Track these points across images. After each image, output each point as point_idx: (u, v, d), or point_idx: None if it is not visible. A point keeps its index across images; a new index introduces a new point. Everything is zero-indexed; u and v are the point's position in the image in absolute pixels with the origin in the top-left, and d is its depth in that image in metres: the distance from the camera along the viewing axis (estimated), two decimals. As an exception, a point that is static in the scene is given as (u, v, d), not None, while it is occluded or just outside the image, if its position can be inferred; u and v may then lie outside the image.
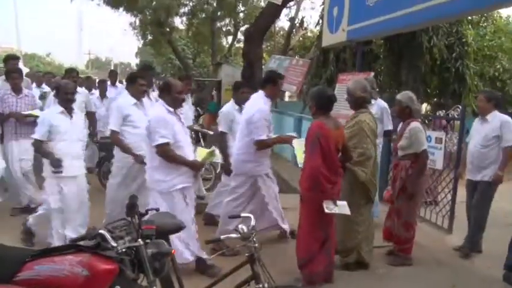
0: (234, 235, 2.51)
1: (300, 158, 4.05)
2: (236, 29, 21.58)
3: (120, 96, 5.03)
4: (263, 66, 8.48)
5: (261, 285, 2.49)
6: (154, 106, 4.08)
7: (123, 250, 2.19)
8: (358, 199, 3.94)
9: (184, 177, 3.78)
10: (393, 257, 4.38)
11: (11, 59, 6.14)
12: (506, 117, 4.54)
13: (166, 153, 3.67)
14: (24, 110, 5.25)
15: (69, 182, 4.18)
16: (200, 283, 2.96)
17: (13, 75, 5.30)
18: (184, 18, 20.83)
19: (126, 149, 4.44)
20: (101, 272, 2.12)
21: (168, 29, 19.41)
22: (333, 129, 3.56)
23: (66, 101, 4.21)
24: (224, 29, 22.54)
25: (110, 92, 7.88)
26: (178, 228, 2.83)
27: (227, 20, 21.45)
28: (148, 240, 2.31)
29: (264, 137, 4.25)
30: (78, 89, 5.48)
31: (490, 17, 12.30)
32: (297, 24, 18.87)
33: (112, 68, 43.87)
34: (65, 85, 4.30)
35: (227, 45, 24.22)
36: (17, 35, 26.49)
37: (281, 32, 23.22)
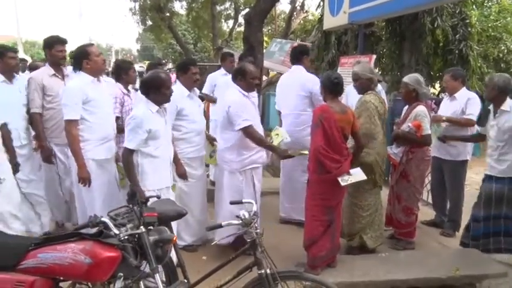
0: (235, 221, 2.51)
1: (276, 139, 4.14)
2: (237, 12, 21.33)
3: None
4: (264, 50, 8.41)
5: (262, 271, 2.50)
6: (229, 91, 4.09)
7: (126, 237, 2.21)
8: (363, 183, 3.81)
9: (255, 158, 4.03)
10: (395, 241, 4.39)
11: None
12: (472, 93, 4.71)
13: (253, 134, 3.88)
14: None
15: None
16: (203, 268, 2.98)
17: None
18: (184, 3, 20.59)
19: None
20: (103, 260, 2.13)
21: (168, 14, 19.23)
22: (338, 112, 3.54)
23: None
24: (225, 13, 22.31)
25: None
26: (180, 215, 2.84)
27: (227, 4, 21.21)
28: (150, 227, 2.32)
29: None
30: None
31: (494, -4, 12.13)
32: (298, 7, 18.63)
33: (113, 54, 43.68)
34: None
35: (228, 30, 24.00)
36: (16, 23, 26.24)
37: (282, 16, 22.96)
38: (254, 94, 4.50)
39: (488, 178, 4.06)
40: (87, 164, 3.65)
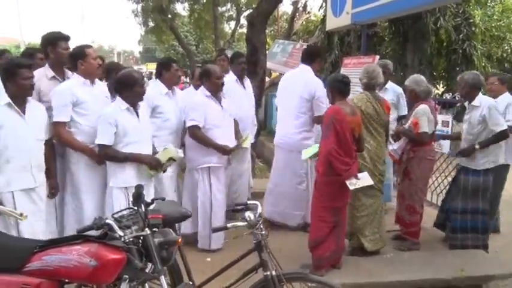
0: (240, 223, 2.50)
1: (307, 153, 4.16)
2: (239, 14, 21.34)
3: None
4: (267, 51, 8.41)
5: (268, 273, 2.49)
6: (197, 92, 4.28)
7: (130, 239, 2.20)
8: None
9: (210, 158, 4.12)
10: (400, 242, 4.38)
11: None
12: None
13: (196, 134, 4.07)
14: None
15: None
16: (208, 270, 2.97)
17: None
18: (186, 4, 20.63)
19: None
20: (108, 262, 2.12)
21: (170, 16, 19.26)
22: (349, 114, 3.52)
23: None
24: (226, 15, 22.34)
25: None
26: (185, 216, 2.84)
27: (229, 5, 21.23)
28: (155, 229, 2.31)
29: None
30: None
31: (497, -4, 12.11)
32: (300, 8, 18.63)
33: (115, 56, 43.79)
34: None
35: (230, 31, 24.02)
36: (19, 25, 26.35)
37: (284, 16, 22.97)
38: (250, 91, 4.81)
39: (464, 170, 4.21)
40: (79, 168, 3.60)
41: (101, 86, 3.93)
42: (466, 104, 4.27)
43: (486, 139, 4.05)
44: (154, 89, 4.27)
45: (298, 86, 4.56)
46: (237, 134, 4.47)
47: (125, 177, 3.44)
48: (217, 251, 4.17)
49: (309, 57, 4.68)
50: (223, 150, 4.13)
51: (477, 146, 4.05)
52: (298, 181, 4.68)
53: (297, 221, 4.78)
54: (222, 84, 4.19)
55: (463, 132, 4.28)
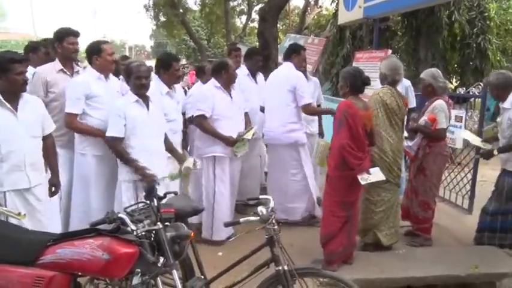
0: (253, 218, 2.50)
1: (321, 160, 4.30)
2: (250, 8, 21.30)
3: None
4: (278, 46, 8.38)
5: (280, 268, 2.48)
6: (207, 84, 4.42)
7: (143, 233, 2.21)
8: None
9: (214, 148, 4.21)
10: (412, 238, 4.34)
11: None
12: None
13: (201, 124, 4.20)
14: None
15: None
16: (219, 265, 2.97)
17: None
18: (197, -2, 20.66)
19: None
20: (121, 256, 2.14)
21: (181, 10, 19.28)
22: (361, 109, 3.50)
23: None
24: (238, 9, 22.31)
25: None
26: (197, 211, 2.84)
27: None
28: (167, 224, 2.32)
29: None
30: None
31: (513, -11, 11.84)
32: (312, 2, 18.53)
33: (127, 51, 43.99)
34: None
35: (241, 25, 23.99)
36: (32, 20, 26.64)
37: (296, 11, 22.87)
38: (261, 85, 4.83)
39: (503, 172, 4.01)
40: (87, 160, 3.67)
41: (115, 82, 4.00)
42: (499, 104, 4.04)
43: (506, 144, 3.88)
44: (154, 88, 3.96)
45: (282, 80, 4.71)
46: (247, 126, 4.49)
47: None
48: (228, 245, 4.17)
49: (289, 55, 4.88)
50: (227, 141, 4.19)
51: (495, 152, 3.92)
52: (292, 173, 4.72)
53: (300, 214, 4.78)
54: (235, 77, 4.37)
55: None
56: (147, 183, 3.23)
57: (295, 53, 4.82)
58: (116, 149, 3.46)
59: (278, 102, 4.68)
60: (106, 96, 3.68)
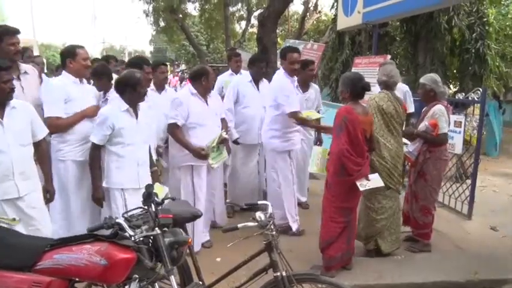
0: (251, 223, 2.49)
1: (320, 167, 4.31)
2: (249, 14, 21.35)
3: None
4: (277, 51, 8.41)
5: (278, 273, 2.47)
6: (182, 89, 4.29)
7: (141, 239, 2.19)
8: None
9: (191, 157, 4.01)
10: (411, 243, 4.33)
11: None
12: None
13: (173, 132, 4.06)
14: None
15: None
16: (217, 270, 2.96)
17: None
18: (197, 4, 20.72)
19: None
20: (119, 261, 2.12)
21: (181, 15, 19.34)
22: (361, 115, 3.50)
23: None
24: (237, 14, 22.36)
25: None
26: (195, 216, 2.83)
27: (240, 5, 21.26)
28: (165, 229, 2.30)
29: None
30: None
31: (512, -6, 11.89)
32: (311, 8, 18.59)
33: (127, 56, 44.01)
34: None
35: (241, 31, 24.04)
36: (32, 25, 26.62)
37: (295, 16, 22.93)
38: (264, 92, 4.75)
39: None
40: (66, 166, 3.62)
41: (89, 85, 4.00)
42: None
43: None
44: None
45: (270, 87, 4.71)
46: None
47: (121, 179, 3.42)
48: (226, 251, 4.13)
49: (281, 60, 4.73)
50: (198, 155, 3.99)
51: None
52: (273, 178, 4.64)
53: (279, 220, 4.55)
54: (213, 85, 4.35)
55: None
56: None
57: (282, 58, 4.65)
58: (92, 154, 3.46)
59: (268, 109, 4.67)
60: (82, 100, 3.66)
